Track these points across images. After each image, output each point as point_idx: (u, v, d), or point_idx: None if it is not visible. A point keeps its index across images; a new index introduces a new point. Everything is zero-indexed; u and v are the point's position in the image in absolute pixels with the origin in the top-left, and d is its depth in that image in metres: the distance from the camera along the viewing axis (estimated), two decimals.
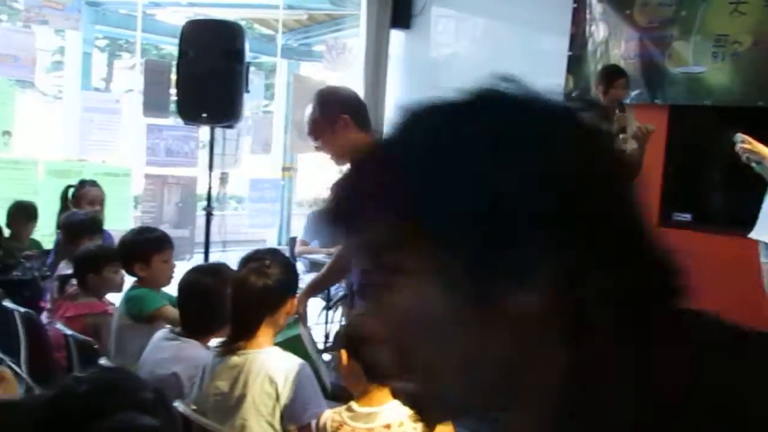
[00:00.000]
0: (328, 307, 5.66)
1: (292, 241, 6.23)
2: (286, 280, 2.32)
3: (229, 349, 2.24)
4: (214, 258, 5.60)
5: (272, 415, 2.16)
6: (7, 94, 5.46)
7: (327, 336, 5.69)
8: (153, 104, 5.81)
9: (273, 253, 2.45)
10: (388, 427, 1.97)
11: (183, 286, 2.64)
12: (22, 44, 5.46)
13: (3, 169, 5.39)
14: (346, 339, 2.08)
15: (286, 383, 2.15)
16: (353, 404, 2.04)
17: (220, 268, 2.69)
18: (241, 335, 2.24)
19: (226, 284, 2.43)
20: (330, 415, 2.07)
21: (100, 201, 4.69)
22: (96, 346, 3.08)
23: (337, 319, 5.94)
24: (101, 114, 5.85)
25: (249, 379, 2.16)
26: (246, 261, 2.33)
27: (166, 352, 2.55)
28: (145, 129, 5.98)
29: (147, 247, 3.22)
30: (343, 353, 2.05)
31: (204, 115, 5.03)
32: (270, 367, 2.18)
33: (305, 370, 2.23)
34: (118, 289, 3.57)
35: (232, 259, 6.05)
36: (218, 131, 5.37)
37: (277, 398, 2.15)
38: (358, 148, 2.85)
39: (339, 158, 3.01)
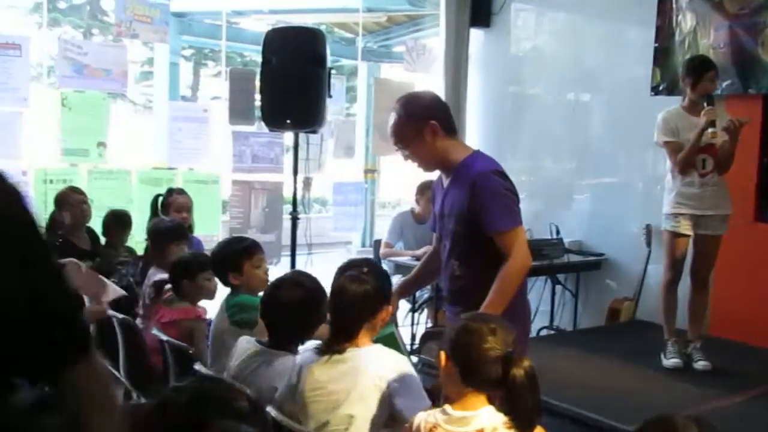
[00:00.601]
0: (413, 309, 5.67)
1: (377, 244, 6.25)
2: (383, 287, 2.43)
3: (330, 349, 2.33)
4: (300, 261, 5.69)
5: (380, 407, 2.26)
6: (102, 107, 5.67)
7: (413, 337, 5.69)
8: (238, 112, 5.93)
9: (368, 262, 2.53)
10: (481, 431, 1.98)
11: (266, 301, 2.69)
12: (114, 58, 5.66)
13: (99, 179, 5.60)
14: (447, 341, 2.10)
15: (394, 377, 2.26)
16: (447, 407, 2.05)
17: (300, 280, 2.72)
18: (342, 338, 2.33)
19: (308, 296, 2.60)
20: (424, 417, 2.10)
21: (187, 208, 4.82)
22: (191, 351, 3.16)
23: (422, 321, 5.94)
24: (189, 123, 6.00)
25: (356, 374, 2.26)
26: (344, 269, 2.43)
27: (258, 363, 2.60)
28: (231, 136, 6.12)
29: (236, 257, 3.28)
30: (443, 354, 2.08)
31: (288, 121, 5.11)
32: (377, 362, 2.30)
33: (410, 365, 2.34)
34: (211, 296, 3.66)
35: (318, 261, 6.13)
36: (302, 136, 5.44)
37: (386, 391, 2.25)
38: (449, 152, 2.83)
39: (429, 165, 3.00)
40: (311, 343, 2.49)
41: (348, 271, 2.42)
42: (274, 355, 2.59)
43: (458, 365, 2.04)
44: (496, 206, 2.77)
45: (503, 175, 2.85)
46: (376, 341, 2.43)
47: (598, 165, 6.27)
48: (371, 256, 6.53)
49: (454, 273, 2.96)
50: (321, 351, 2.37)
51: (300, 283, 2.69)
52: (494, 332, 2.02)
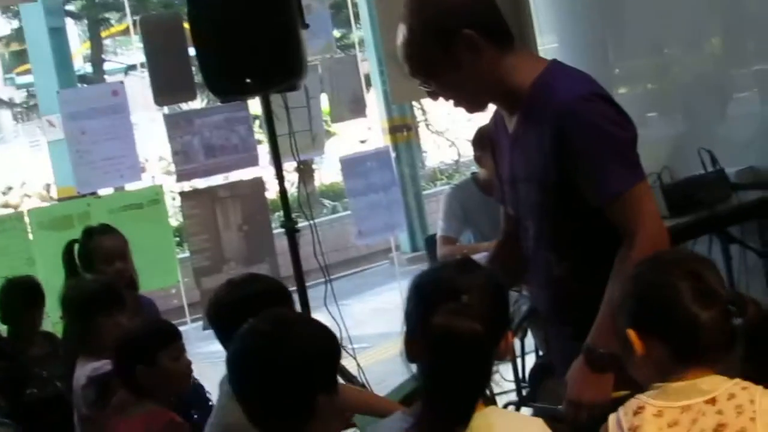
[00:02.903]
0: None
1: (431, 242, 6.24)
2: (496, 309, 2.33)
3: None
4: (316, 297, 5.70)
5: None
6: None
7: (521, 377, 5.68)
8: (167, 83, 5.95)
9: (462, 268, 2.39)
10: (712, 401, 2.14)
11: (231, 361, 2.64)
12: None
13: None
14: (631, 312, 2.24)
15: None
16: (654, 384, 2.21)
17: (282, 318, 2.70)
18: (459, 418, 2.23)
19: (294, 343, 2.47)
20: (621, 409, 2.23)
21: (120, 254, 4.83)
22: None
23: (529, 346, 5.93)
24: (96, 118, 6.04)
25: None
26: (430, 297, 2.31)
27: None
28: (165, 123, 6.12)
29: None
30: (633, 334, 2.20)
31: (248, 80, 5.11)
32: None
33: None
34: (186, 381, 3.69)
35: (346, 292, 6.05)
36: (275, 100, 5.44)
37: None
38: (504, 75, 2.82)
39: (473, 102, 2.99)
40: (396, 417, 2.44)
41: (442, 300, 2.24)
42: None
43: (665, 340, 2.19)
44: (599, 158, 2.73)
45: (603, 98, 2.81)
46: None
47: (762, 40, 6.18)
48: (426, 262, 6.52)
49: (551, 273, 2.95)
50: None
51: (278, 323, 2.66)
52: (697, 275, 2.17)
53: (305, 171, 6.07)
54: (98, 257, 4.79)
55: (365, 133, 9.41)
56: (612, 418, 2.22)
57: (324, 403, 2.43)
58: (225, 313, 3.31)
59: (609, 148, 2.73)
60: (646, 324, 2.20)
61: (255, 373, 2.46)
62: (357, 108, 7.45)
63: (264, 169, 6.59)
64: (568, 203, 2.80)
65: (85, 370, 3.98)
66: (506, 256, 3.18)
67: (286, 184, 5.53)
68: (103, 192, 6.20)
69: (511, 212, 3.12)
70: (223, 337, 3.30)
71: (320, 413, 2.44)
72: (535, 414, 4.50)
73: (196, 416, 3.98)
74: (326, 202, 14.55)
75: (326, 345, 2.54)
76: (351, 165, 7.34)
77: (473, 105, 3.00)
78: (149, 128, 6.39)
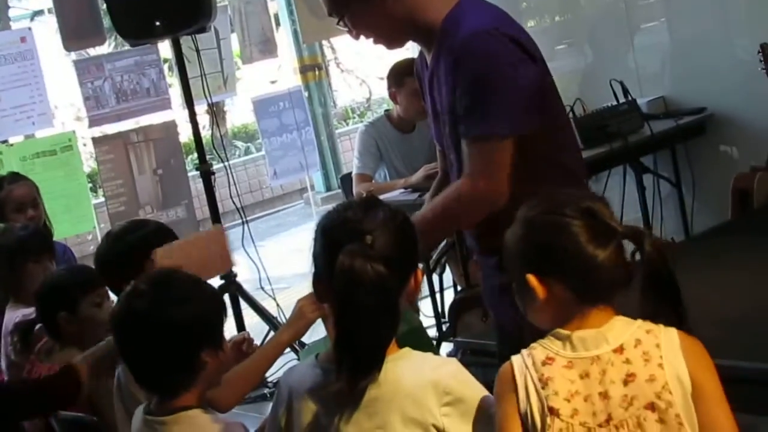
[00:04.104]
0: (430, 270, 5.70)
1: (346, 181, 6.25)
2: (402, 249, 2.29)
3: (352, 391, 2.20)
4: (234, 238, 5.70)
5: None
6: None
7: (440, 312, 5.74)
8: (76, 28, 5.87)
9: (367, 208, 2.31)
10: (620, 350, 2.11)
11: (116, 323, 2.65)
12: None
13: None
14: (527, 255, 2.19)
15: (447, 399, 2.21)
16: (560, 331, 2.16)
17: (161, 279, 2.70)
18: (369, 364, 2.19)
19: (174, 302, 2.50)
20: (526, 353, 2.18)
21: (32, 201, 4.81)
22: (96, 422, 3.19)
23: (447, 281, 5.98)
24: (5, 67, 5.95)
25: (390, 401, 2.21)
26: (335, 238, 2.24)
27: None
28: (75, 69, 6.05)
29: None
30: (533, 279, 2.16)
31: (157, 23, 5.07)
32: (427, 376, 2.23)
33: (468, 375, 2.29)
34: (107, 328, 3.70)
35: (263, 231, 6.00)
36: (186, 42, 5.41)
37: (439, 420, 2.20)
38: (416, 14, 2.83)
39: (387, 39, 3.00)
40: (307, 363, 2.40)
41: (345, 242, 2.18)
42: (167, 424, 2.57)
43: (566, 282, 2.15)
44: (479, 92, 2.75)
45: (508, 37, 2.78)
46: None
47: None
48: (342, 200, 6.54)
49: None
50: (340, 395, 2.22)
51: (164, 281, 2.66)
52: (591, 212, 2.13)
53: (217, 113, 6.03)
54: (9, 206, 4.77)
55: (275, 73, 9.31)
56: (517, 363, 2.17)
57: (208, 360, 2.49)
58: (110, 267, 3.35)
59: (494, 86, 2.74)
60: (545, 268, 2.16)
61: (137, 333, 2.50)
62: (267, 48, 7.40)
63: (176, 112, 6.53)
64: None
65: (13, 317, 3.98)
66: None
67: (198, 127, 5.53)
68: (13, 140, 6.12)
69: (440, 148, 3.14)
70: (115, 290, 3.32)
71: (205, 370, 2.49)
72: (456, 348, 4.56)
73: None
74: (238, 143, 14.47)
75: (208, 303, 2.58)
76: (264, 106, 7.32)
77: (390, 42, 3.00)
78: (60, 73, 6.31)
